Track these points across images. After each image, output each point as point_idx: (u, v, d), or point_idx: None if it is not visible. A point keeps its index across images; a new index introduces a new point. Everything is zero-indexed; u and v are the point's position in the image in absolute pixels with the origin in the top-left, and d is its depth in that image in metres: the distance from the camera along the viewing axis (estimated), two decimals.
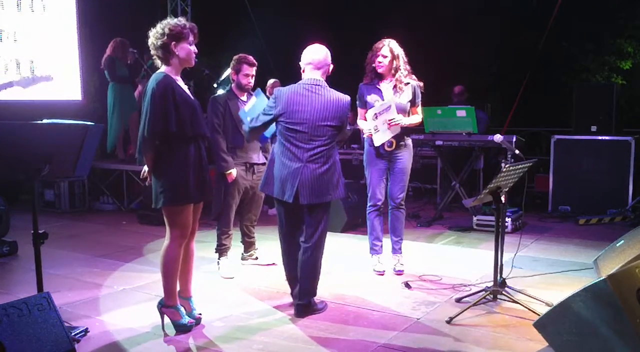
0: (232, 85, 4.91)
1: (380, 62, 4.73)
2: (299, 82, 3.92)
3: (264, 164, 4.83)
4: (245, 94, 4.88)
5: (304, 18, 10.70)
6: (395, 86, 4.77)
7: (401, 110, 4.75)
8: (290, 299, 4.11)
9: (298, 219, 3.97)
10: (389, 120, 4.63)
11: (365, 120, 4.82)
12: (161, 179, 3.51)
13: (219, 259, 4.94)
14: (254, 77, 4.87)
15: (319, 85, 3.87)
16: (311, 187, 3.80)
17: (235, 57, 4.85)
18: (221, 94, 4.94)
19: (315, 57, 3.90)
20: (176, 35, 3.46)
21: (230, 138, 4.75)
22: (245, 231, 5.12)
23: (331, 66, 3.96)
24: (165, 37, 3.45)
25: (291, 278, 4.06)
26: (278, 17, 10.52)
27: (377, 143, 4.72)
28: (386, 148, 4.77)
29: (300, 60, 3.97)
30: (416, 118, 4.86)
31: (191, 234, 3.72)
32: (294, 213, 3.95)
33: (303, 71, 3.96)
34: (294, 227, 4.00)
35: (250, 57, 4.83)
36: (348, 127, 4.00)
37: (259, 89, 4.64)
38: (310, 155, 3.81)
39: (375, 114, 4.69)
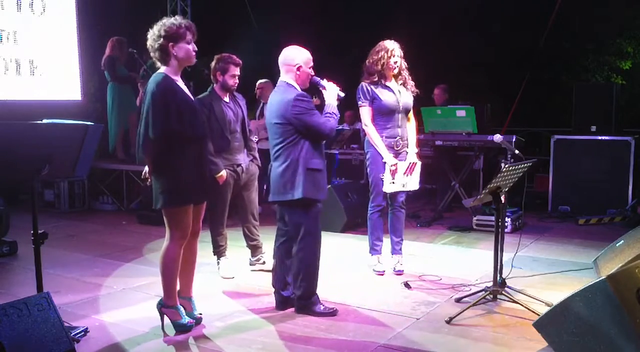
0: (215, 85, 4.77)
1: (396, 63, 4.76)
2: None
3: (252, 161, 4.95)
4: (228, 94, 4.79)
5: (303, 18, 10.71)
6: (404, 87, 4.87)
7: (409, 110, 4.91)
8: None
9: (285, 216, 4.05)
10: (407, 169, 4.74)
11: (373, 116, 4.81)
12: (161, 179, 3.50)
13: (218, 260, 4.94)
14: (238, 78, 4.77)
15: (279, 85, 3.96)
16: (273, 185, 3.91)
17: (219, 56, 4.73)
18: (205, 95, 4.78)
19: (280, 58, 3.96)
20: (172, 36, 3.43)
21: (215, 141, 4.59)
22: (247, 233, 5.04)
23: (294, 66, 3.88)
24: (162, 39, 3.43)
25: (275, 276, 4.12)
26: (278, 17, 10.53)
27: (417, 187, 4.85)
28: (396, 147, 4.79)
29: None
30: (414, 126, 5.01)
31: (194, 234, 3.72)
32: (280, 210, 4.06)
33: None
34: (282, 224, 4.09)
35: (235, 57, 4.73)
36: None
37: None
38: (273, 154, 3.93)
39: (392, 182, 4.71)
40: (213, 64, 4.75)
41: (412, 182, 4.80)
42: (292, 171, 3.83)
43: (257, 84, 7.72)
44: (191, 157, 3.52)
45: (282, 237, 4.08)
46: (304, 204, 3.89)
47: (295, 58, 3.90)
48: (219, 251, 4.93)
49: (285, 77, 3.93)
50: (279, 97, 3.88)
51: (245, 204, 5.00)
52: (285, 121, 3.82)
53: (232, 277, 4.81)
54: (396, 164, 4.69)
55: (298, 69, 3.89)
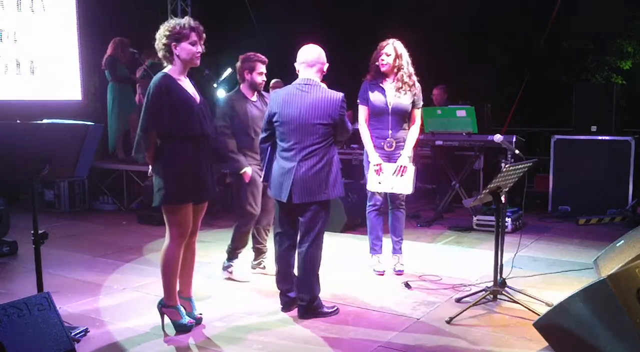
0: (242, 85, 4.70)
1: (383, 60, 4.73)
2: (293, 83, 3.94)
3: None
4: (256, 93, 4.72)
5: (304, 17, 10.71)
6: (399, 88, 4.73)
7: (402, 112, 4.76)
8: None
9: (295, 219, 3.96)
10: (398, 171, 4.63)
11: (368, 117, 4.80)
12: (158, 177, 3.53)
13: (229, 262, 4.78)
14: (266, 76, 4.72)
15: (309, 84, 3.86)
16: (303, 186, 3.79)
17: (245, 56, 4.67)
18: (228, 96, 4.76)
19: (308, 56, 3.90)
20: (175, 36, 3.45)
21: (237, 140, 4.59)
22: (256, 235, 4.92)
23: (326, 65, 3.94)
24: (165, 39, 3.46)
25: (280, 278, 4.06)
26: (278, 17, 10.53)
27: (409, 191, 4.70)
28: (386, 148, 4.77)
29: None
30: (415, 129, 4.83)
31: (192, 233, 3.72)
32: (290, 213, 3.95)
33: (298, 71, 3.96)
34: (290, 227, 4.00)
35: (260, 55, 4.68)
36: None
37: None
38: (304, 155, 3.81)
39: (379, 182, 4.67)
40: (239, 64, 4.69)
41: (403, 186, 4.67)
42: (327, 171, 3.83)
43: (272, 83, 7.75)
44: (186, 156, 3.51)
45: (288, 241, 4.01)
46: (327, 204, 3.90)
47: (322, 57, 3.92)
48: (234, 253, 4.78)
49: (315, 76, 3.88)
50: (321, 96, 3.80)
51: (265, 206, 4.81)
52: (331, 121, 3.80)
53: (247, 280, 4.70)
54: (380, 164, 4.67)
55: (327, 68, 3.94)
